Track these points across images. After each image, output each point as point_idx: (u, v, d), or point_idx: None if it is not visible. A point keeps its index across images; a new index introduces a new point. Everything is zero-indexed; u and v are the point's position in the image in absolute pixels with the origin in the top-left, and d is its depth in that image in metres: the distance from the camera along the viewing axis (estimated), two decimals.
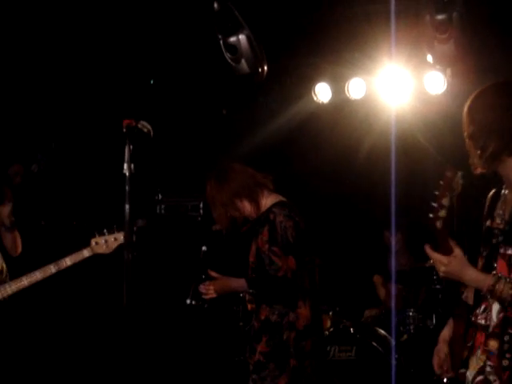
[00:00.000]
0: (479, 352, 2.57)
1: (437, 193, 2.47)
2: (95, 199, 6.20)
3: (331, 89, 6.81)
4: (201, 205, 6.74)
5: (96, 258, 4.32)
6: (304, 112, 6.99)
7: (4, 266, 4.39)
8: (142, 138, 2.94)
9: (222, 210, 3.83)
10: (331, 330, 5.54)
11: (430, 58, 5.11)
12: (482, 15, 5.04)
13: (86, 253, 4.41)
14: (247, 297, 3.86)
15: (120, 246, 4.13)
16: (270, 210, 3.77)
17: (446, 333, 2.81)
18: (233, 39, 5.10)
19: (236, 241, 4.16)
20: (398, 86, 6.39)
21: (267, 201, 3.85)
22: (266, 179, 3.93)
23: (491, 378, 2.52)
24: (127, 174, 2.84)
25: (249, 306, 3.85)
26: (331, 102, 6.87)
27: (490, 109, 2.56)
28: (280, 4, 5.74)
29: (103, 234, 4.37)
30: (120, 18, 5.44)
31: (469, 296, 2.71)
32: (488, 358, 2.54)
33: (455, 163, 6.46)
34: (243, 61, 5.17)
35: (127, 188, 2.85)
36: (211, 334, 6.27)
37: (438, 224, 2.48)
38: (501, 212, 2.63)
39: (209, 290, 3.86)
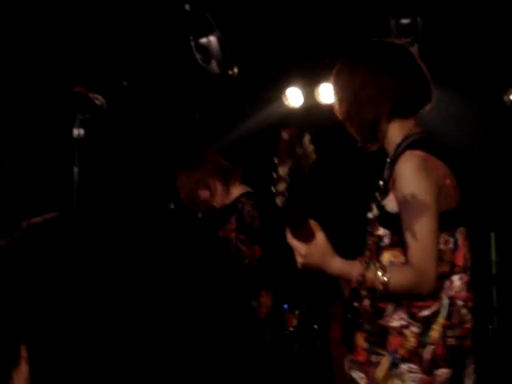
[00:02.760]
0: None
1: (276, 161, 1.93)
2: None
3: (302, 93, 6.91)
4: (172, 206, 6.78)
5: None
6: (275, 116, 7.08)
7: None
8: (94, 109, 3.02)
9: (190, 193, 3.90)
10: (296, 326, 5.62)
11: None
12: (447, 20, 5.17)
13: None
14: None
15: None
16: (238, 199, 3.87)
17: None
18: (203, 40, 5.20)
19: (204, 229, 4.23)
20: None
21: (235, 190, 3.94)
22: (235, 170, 4.01)
23: (355, 375, 2.31)
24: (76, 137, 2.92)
25: None
26: (302, 107, 6.96)
27: (350, 81, 2.35)
28: (253, 8, 5.84)
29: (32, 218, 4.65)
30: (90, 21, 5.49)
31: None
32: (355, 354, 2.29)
33: None
34: (213, 62, 5.27)
35: (76, 152, 2.92)
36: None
37: (279, 200, 1.92)
38: (381, 183, 2.36)
39: None
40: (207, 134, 7.25)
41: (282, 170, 1.90)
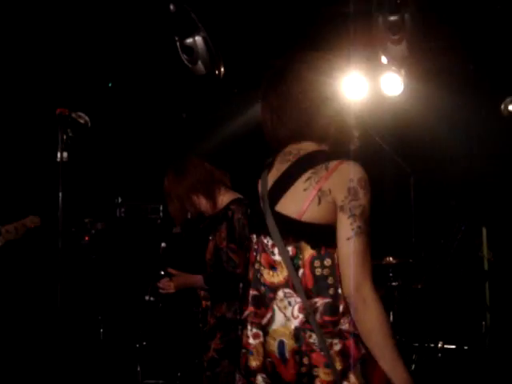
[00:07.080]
0: None
1: None
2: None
3: None
4: (161, 207, 6.73)
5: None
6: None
7: None
8: (78, 128, 2.93)
9: (178, 203, 3.83)
10: None
11: (384, 59, 5.17)
12: (435, 17, 5.12)
13: None
14: (202, 294, 3.87)
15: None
16: (227, 207, 3.77)
17: None
18: (189, 41, 5.11)
19: (193, 238, 4.15)
20: (354, 88, 6.42)
21: (224, 198, 3.85)
22: (223, 176, 3.94)
23: None
24: (60, 161, 2.83)
25: (203, 303, 3.86)
26: None
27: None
28: (236, 6, 5.77)
29: (12, 222, 4.66)
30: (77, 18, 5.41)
31: None
32: None
33: (412, 163, 6.52)
34: (199, 62, 5.18)
35: (60, 176, 2.83)
36: (169, 335, 6.26)
37: None
38: None
39: (167, 287, 3.87)
40: (194, 134, 7.20)
41: None
